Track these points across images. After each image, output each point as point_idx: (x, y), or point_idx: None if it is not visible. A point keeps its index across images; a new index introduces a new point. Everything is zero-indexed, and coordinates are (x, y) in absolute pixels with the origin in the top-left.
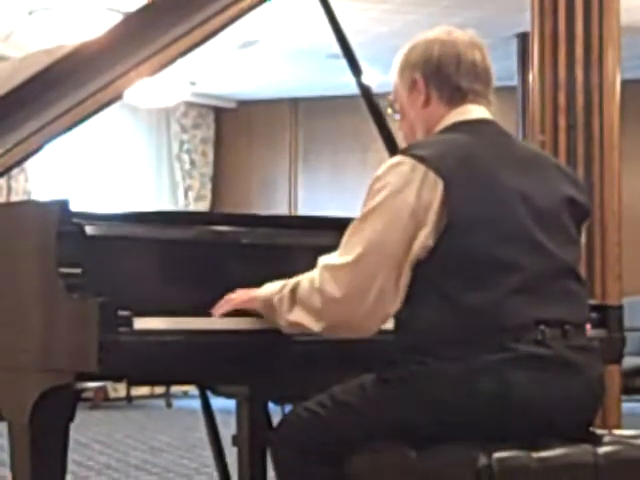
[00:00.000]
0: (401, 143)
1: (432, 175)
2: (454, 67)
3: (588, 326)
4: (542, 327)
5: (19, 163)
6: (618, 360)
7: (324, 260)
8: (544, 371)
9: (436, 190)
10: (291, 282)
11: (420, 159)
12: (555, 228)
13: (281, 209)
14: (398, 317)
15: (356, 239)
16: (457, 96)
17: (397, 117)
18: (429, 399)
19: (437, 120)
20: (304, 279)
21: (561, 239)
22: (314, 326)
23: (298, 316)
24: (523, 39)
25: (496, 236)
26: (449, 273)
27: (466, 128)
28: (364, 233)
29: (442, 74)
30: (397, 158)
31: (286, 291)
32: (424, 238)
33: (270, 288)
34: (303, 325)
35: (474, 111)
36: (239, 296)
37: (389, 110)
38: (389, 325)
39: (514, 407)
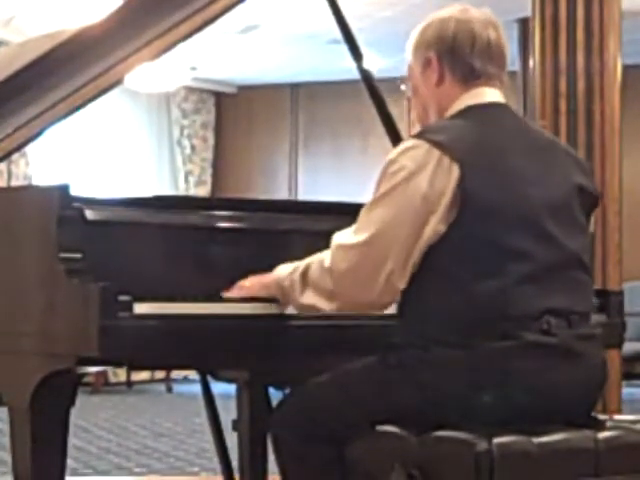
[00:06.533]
0: (402, 128)
1: (447, 160)
2: (469, 47)
3: None
4: (548, 317)
5: (20, 148)
6: (618, 345)
7: (337, 239)
8: (547, 359)
9: (450, 175)
10: (302, 264)
11: (435, 144)
12: (565, 217)
13: (281, 194)
14: (403, 301)
15: (369, 220)
16: (471, 77)
17: (409, 94)
18: (430, 384)
19: (450, 100)
20: (314, 261)
21: (570, 228)
22: (326, 306)
23: (310, 298)
24: (524, 24)
25: (508, 223)
26: (459, 258)
27: (480, 112)
28: (377, 215)
29: (456, 53)
30: (412, 141)
31: (297, 274)
32: (435, 224)
33: (281, 272)
34: (316, 307)
35: (488, 94)
36: (252, 283)
37: (402, 86)
38: (391, 310)
39: (515, 394)
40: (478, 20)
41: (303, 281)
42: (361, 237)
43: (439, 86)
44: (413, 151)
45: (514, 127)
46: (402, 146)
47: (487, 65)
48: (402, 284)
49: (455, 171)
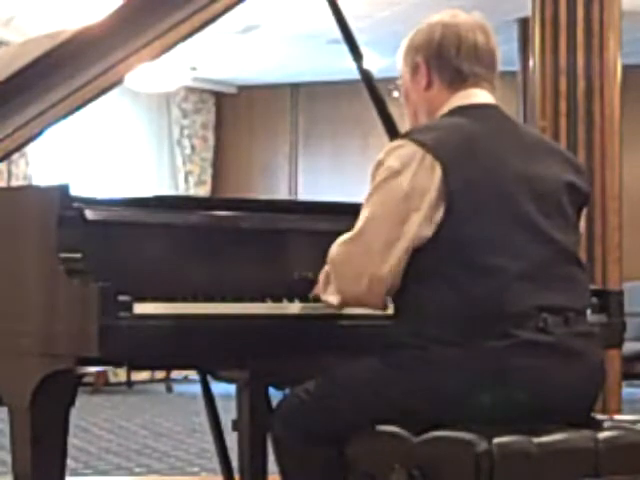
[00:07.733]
0: (402, 128)
1: (429, 159)
2: (454, 50)
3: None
4: (544, 314)
5: (20, 148)
6: (618, 345)
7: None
8: (545, 357)
9: (433, 174)
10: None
11: (419, 143)
12: (555, 213)
13: (281, 194)
14: (400, 301)
15: (360, 219)
16: (458, 79)
17: (402, 100)
18: (429, 384)
19: (439, 104)
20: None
21: (561, 224)
22: (334, 300)
23: (326, 295)
24: (524, 24)
25: (498, 222)
26: (452, 259)
27: (469, 112)
28: (364, 214)
29: (443, 57)
30: (397, 141)
31: (323, 271)
32: (418, 223)
33: None
34: (328, 302)
35: (477, 95)
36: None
37: (395, 93)
38: (389, 310)
39: (514, 393)
40: (465, 24)
41: (324, 280)
42: (351, 234)
43: (428, 90)
44: (398, 150)
45: (503, 127)
46: (388, 146)
47: (474, 67)
48: (384, 286)
49: (437, 170)
